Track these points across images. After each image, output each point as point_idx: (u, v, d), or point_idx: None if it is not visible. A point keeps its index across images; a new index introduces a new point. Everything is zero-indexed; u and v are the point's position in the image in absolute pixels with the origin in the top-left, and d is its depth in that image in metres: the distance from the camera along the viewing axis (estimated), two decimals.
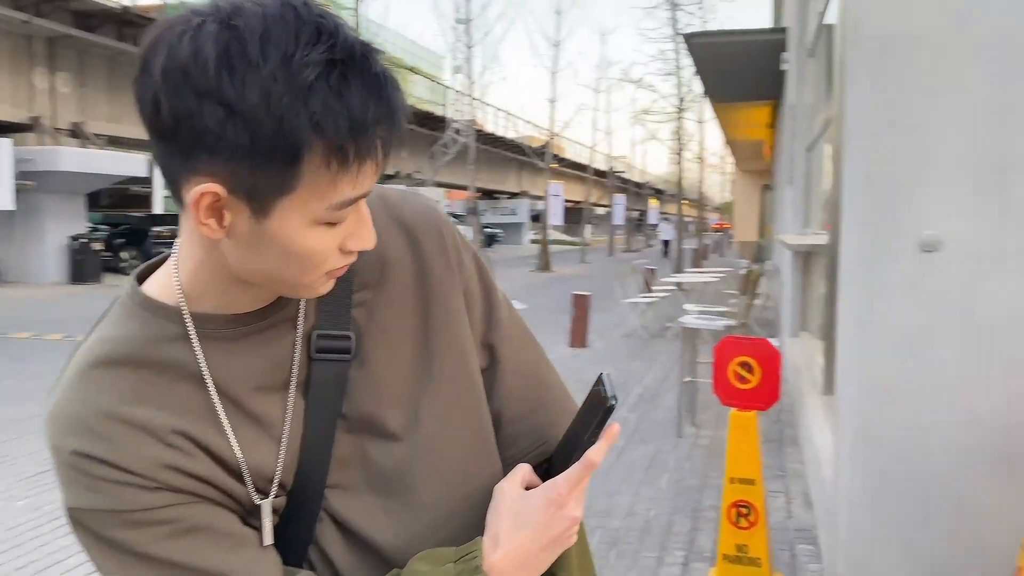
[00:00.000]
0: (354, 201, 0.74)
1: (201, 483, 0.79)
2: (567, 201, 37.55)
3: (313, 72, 0.67)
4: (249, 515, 0.83)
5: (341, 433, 0.86)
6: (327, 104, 0.68)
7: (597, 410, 0.84)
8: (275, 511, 0.84)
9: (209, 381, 0.80)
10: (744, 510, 3.19)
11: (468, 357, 0.92)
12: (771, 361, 3.18)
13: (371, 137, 0.71)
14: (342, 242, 0.77)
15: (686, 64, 25.36)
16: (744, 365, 3.21)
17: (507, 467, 0.92)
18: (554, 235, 37.96)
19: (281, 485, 0.84)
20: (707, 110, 29.20)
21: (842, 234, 3.26)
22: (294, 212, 0.72)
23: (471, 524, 0.87)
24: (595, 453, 0.83)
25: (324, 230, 0.75)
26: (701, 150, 32.85)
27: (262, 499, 0.82)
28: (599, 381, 0.86)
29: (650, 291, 12.10)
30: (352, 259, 0.80)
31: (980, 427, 2.72)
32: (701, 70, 13.90)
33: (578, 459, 0.84)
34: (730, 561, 3.21)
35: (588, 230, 38.26)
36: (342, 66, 0.69)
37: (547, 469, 0.90)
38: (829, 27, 6.08)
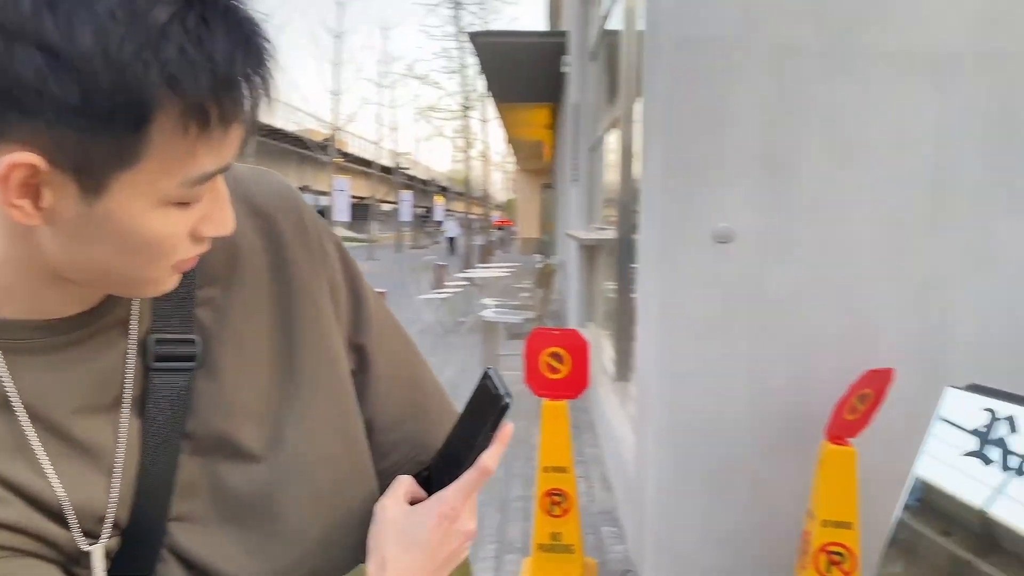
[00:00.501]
0: (213, 175, 0.61)
1: (12, 533, 0.62)
2: (353, 197, 36.90)
3: (165, 12, 0.54)
4: (74, 563, 0.67)
5: (187, 456, 0.72)
6: (184, 52, 0.54)
7: (488, 410, 0.76)
8: (107, 554, 0.68)
9: (17, 405, 0.64)
10: (558, 498, 3.24)
11: (337, 360, 0.81)
12: (580, 351, 3.25)
13: (238, 94, 0.58)
14: (195, 227, 0.64)
15: (471, 63, 25.77)
16: (555, 356, 3.26)
17: (381, 480, 0.82)
18: (340, 232, 37.14)
19: (115, 524, 0.68)
20: (491, 109, 29.80)
21: (642, 227, 3.40)
22: (137, 189, 0.58)
23: (349, 550, 0.76)
24: (490, 458, 0.75)
25: (174, 212, 0.61)
26: (486, 148, 33.56)
27: (91, 544, 0.67)
28: (486, 377, 0.78)
29: (443, 287, 12.14)
30: (205, 248, 0.67)
31: (769, 405, 2.94)
32: (485, 69, 14.15)
33: (469, 465, 0.76)
34: (545, 550, 3.25)
35: (375, 227, 37.84)
36: (201, 6, 0.55)
37: (427, 479, 0.81)
38: (612, 32, 6.39)
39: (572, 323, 8.80)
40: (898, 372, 2.74)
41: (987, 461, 1.49)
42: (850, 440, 2.73)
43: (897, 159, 2.84)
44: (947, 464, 1.54)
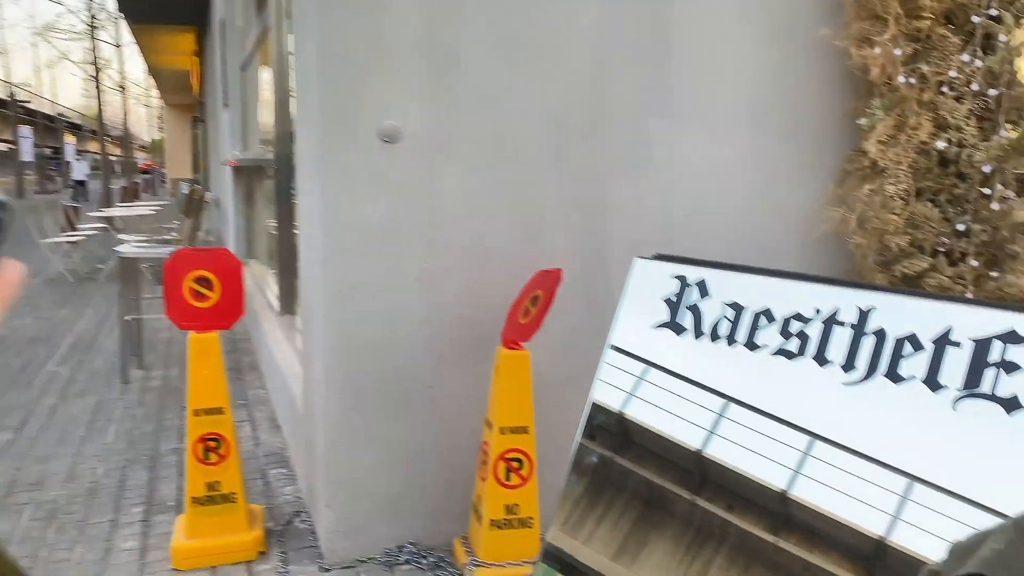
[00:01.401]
0: None
1: None
2: None
3: None
4: None
5: None
6: None
7: None
8: None
9: None
10: (213, 444, 2.83)
11: None
12: (233, 273, 2.83)
13: None
14: None
15: None
16: (202, 280, 2.80)
17: None
18: None
19: None
20: (125, 31, 26.54)
21: (298, 128, 3.03)
22: None
23: None
24: None
25: None
26: (122, 78, 29.86)
27: None
28: None
29: (75, 230, 10.54)
30: None
31: (444, 315, 2.78)
32: None
33: None
34: (201, 503, 2.83)
35: None
36: None
37: None
38: None
39: None
40: (565, 272, 2.72)
41: (679, 330, 1.43)
42: (524, 344, 2.68)
43: (559, 58, 2.79)
44: (619, 385, 1.47)
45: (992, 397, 1.07)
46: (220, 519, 2.83)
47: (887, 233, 2.72)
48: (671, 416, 1.33)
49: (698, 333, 1.40)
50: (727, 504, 1.21)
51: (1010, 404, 1.05)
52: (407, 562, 2.79)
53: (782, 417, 1.20)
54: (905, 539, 1.04)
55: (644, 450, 1.36)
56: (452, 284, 2.77)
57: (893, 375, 1.17)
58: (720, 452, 1.23)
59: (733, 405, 1.26)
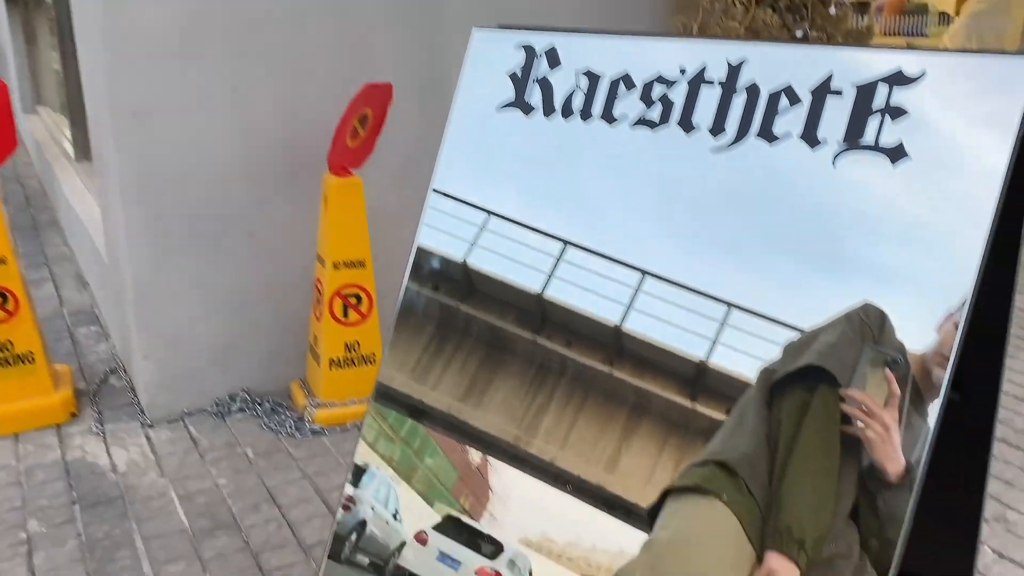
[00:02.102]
0: None
1: None
2: None
3: None
4: None
5: None
6: None
7: None
8: None
9: None
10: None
11: None
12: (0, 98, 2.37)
13: None
14: None
15: None
16: None
17: None
18: None
19: None
20: None
21: None
22: None
23: None
24: None
25: None
26: None
27: None
28: None
29: None
30: None
31: (259, 141, 2.47)
32: None
33: None
34: None
35: None
36: None
37: None
38: None
39: (17, 111, 7.12)
40: (396, 88, 2.46)
41: (528, 110, 1.25)
42: (354, 170, 2.44)
43: None
44: (446, 230, 1.36)
45: (876, 148, 0.99)
46: (17, 382, 2.50)
47: None
48: (509, 261, 1.33)
49: (548, 110, 1.23)
50: (566, 341, 1.27)
51: (895, 153, 0.97)
52: (241, 410, 2.60)
53: (617, 257, 1.24)
54: (723, 360, 1.10)
55: (485, 296, 1.36)
56: (266, 103, 2.45)
57: (767, 134, 1.07)
58: (559, 293, 1.27)
59: (571, 248, 1.28)
